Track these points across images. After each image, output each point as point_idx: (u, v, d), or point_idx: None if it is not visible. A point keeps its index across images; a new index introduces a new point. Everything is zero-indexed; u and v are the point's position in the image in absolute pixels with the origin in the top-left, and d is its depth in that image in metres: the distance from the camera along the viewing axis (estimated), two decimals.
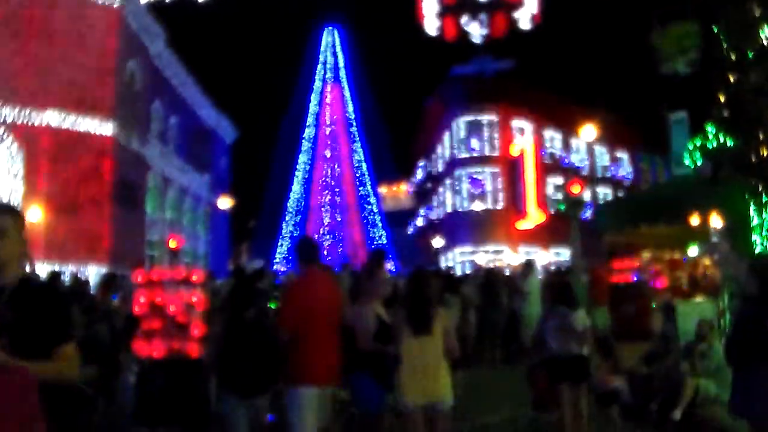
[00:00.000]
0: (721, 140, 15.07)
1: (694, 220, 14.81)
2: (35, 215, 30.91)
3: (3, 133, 31.68)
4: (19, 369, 2.56)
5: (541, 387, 9.48)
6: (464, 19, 47.47)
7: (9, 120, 31.83)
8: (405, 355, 6.69)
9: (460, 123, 49.63)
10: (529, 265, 19.30)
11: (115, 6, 35.53)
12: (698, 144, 16.59)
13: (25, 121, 32.23)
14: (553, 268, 31.03)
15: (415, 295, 6.89)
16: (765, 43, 13.87)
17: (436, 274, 13.24)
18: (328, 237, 69.41)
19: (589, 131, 30.10)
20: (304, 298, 6.82)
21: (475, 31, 47.40)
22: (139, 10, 37.39)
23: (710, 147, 15.46)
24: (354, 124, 74.18)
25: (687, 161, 17.85)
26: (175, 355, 7.41)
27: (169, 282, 7.63)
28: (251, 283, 9.60)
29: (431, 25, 46.92)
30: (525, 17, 48.13)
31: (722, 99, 14.63)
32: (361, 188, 72.63)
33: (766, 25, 13.98)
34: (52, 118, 32.66)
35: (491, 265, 31.52)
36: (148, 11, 38.15)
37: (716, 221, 14.60)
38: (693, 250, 17.84)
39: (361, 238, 70.63)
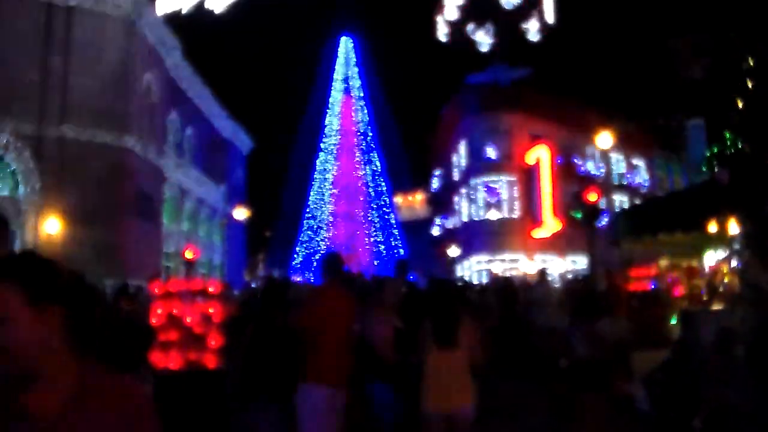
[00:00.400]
0: (739, 147, 14.97)
1: (712, 227, 14.69)
2: (53, 227, 31.09)
3: (21, 146, 31.85)
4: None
5: (561, 395, 9.44)
6: (472, 28, 47.61)
7: (27, 133, 32.01)
8: (430, 367, 6.75)
9: (476, 131, 49.57)
10: (543, 274, 19.22)
11: (131, 18, 35.76)
12: (716, 151, 16.49)
13: (42, 134, 32.42)
14: (570, 276, 30.86)
15: (440, 308, 6.94)
16: None
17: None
18: (343, 247, 69.38)
19: (605, 139, 29.96)
20: (322, 306, 6.90)
21: (485, 39, 47.52)
22: (156, 23, 37.60)
23: (728, 153, 15.36)
24: (369, 133, 74.15)
25: (704, 168, 17.75)
26: (193, 367, 7.41)
27: (186, 293, 7.63)
28: (282, 290, 9.66)
29: (446, 33, 47.03)
30: (537, 27, 48.25)
31: (740, 105, 14.54)
32: (376, 198, 72.56)
33: None
34: (69, 130, 32.84)
35: (507, 274, 31.40)
36: (164, 23, 38.35)
37: (734, 228, 14.48)
38: (710, 258, 17.73)
39: (377, 248, 70.53)
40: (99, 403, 2.12)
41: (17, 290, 2.01)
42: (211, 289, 7.64)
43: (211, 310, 7.50)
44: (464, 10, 49.14)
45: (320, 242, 70.83)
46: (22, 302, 2.01)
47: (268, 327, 7.22)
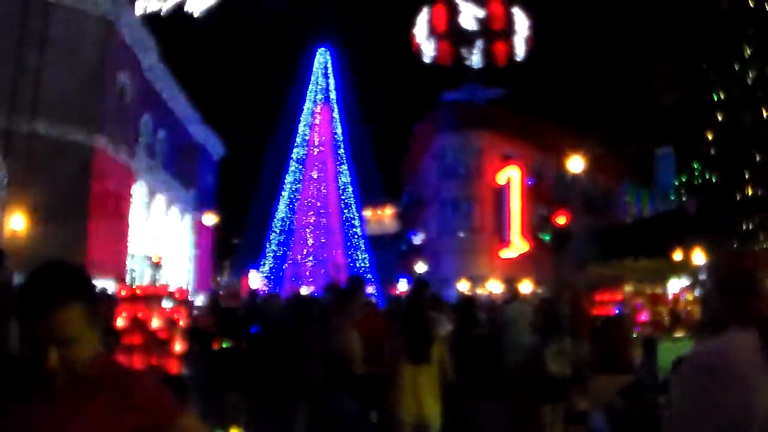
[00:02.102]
0: (707, 177, 15.20)
1: (677, 255, 14.88)
2: (18, 224, 30.75)
3: None
4: None
5: (522, 407, 9.73)
6: (450, 46, 47.93)
7: None
8: (402, 380, 6.99)
9: (448, 149, 49.79)
10: (512, 292, 19.26)
11: (109, 18, 35.55)
12: (684, 180, 16.72)
13: (12, 129, 32.10)
14: (540, 296, 30.98)
15: (414, 325, 7.17)
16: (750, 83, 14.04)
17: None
18: (311, 258, 69.18)
19: (576, 162, 30.21)
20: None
21: (469, 57, 47.84)
22: (134, 23, 37.42)
23: (696, 183, 15.58)
24: (342, 146, 74.13)
25: (672, 196, 17.98)
26: (155, 371, 7.37)
27: (152, 297, 7.61)
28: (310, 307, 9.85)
29: (424, 49, 47.28)
30: (518, 46, 48.63)
31: (710, 137, 14.78)
32: (346, 210, 72.47)
33: (754, 67, 14.16)
34: (39, 126, 32.54)
35: (471, 293, 31.51)
36: (142, 24, 38.17)
37: (699, 257, 14.67)
38: (674, 285, 17.90)
39: (344, 261, 70.44)
40: (106, 385, 2.24)
41: (82, 311, 2.14)
42: (176, 294, 7.61)
43: (176, 316, 7.47)
44: (441, 28, 49.44)
45: (288, 252, 70.62)
46: (86, 322, 2.14)
47: (302, 343, 7.41)
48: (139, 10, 33.82)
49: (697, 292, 15.57)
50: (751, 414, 2.70)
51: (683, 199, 17.01)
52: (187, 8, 31.01)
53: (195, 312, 11.62)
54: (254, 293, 19.96)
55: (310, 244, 70.37)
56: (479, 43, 47.97)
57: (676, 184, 17.92)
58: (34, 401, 2.17)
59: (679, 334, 14.14)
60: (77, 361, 2.10)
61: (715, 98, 16.02)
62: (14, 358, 2.31)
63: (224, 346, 9.80)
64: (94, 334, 2.17)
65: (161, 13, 32.34)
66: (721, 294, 3.05)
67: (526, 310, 17.35)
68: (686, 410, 2.85)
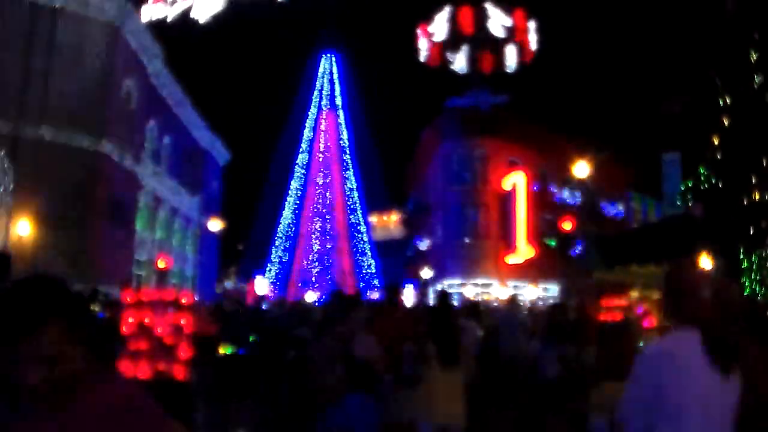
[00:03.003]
0: (713, 182, 15.14)
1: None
2: (24, 229, 30.81)
3: None
4: None
5: (528, 413, 9.86)
6: (454, 52, 47.98)
7: (3, 132, 31.76)
8: (431, 383, 7.23)
9: (453, 155, 49.77)
10: (514, 300, 19.23)
11: (115, 24, 35.65)
12: (690, 185, 16.65)
13: (19, 134, 32.17)
14: (545, 303, 30.95)
15: (444, 329, 7.45)
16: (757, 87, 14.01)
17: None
18: (316, 264, 69.22)
19: (582, 168, 30.18)
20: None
21: (462, 63, 47.92)
22: (140, 30, 37.51)
23: (702, 188, 15.53)
24: (348, 152, 74.19)
25: (679, 202, 17.92)
26: (161, 377, 7.36)
27: (158, 303, 7.60)
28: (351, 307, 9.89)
29: (427, 56, 47.32)
30: (518, 54, 48.73)
31: (716, 142, 14.74)
32: (351, 216, 72.51)
33: (760, 72, 14.12)
34: (46, 132, 32.62)
35: (478, 299, 31.47)
36: (148, 31, 38.26)
37: (706, 262, 14.63)
38: None
39: (350, 267, 70.43)
40: (98, 398, 2.19)
41: (63, 329, 2.10)
42: (183, 300, 7.60)
43: (182, 321, 7.46)
44: (447, 34, 49.48)
45: (293, 257, 70.64)
46: (69, 340, 2.10)
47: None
48: (144, 17, 33.86)
49: None
50: (693, 397, 3.33)
51: (689, 204, 16.93)
52: (192, 15, 31.04)
53: (199, 318, 11.62)
54: (260, 299, 19.99)
55: (315, 250, 70.42)
56: (487, 49, 47.99)
57: (683, 189, 17.83)
58: (16, 421, 2.14)
59: None
60: (60, 379, 2.07)
61: (721, 103, 15.97)
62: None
63: (227, 352, 9.81)
64: (77, 350, 2.12)
65: (167, 20, 32.35)
66: (668, 300, 3.70)
67: (519, 316, 17.35)
68: (640, 394, 3.46)
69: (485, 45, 49.21)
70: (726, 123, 14.66)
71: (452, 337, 7.46)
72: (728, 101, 14.74)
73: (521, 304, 19.52)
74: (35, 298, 2.10)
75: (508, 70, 48.83)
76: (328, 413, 7.82)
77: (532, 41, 50.59)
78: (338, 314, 8.71)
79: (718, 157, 14.77)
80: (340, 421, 7.99)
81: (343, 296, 9.64)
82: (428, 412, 7.24)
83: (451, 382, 7.28)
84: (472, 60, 49.15)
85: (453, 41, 49.03)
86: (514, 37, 49.79)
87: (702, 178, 15.88)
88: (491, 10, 49.32)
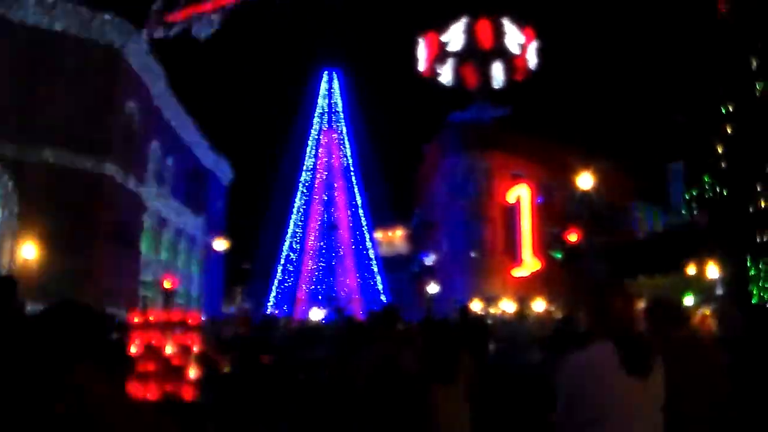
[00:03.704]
0: (718, 191, 15.10)
1: (691, 270, 14.76)
2: (30, 253, 30.82)
3: (0, 170, 31.65)
4: None
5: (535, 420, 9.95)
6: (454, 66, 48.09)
7: (7, 156, 31.81)
8: (432, 400, 7.16)
9: (457, 169, 49.79)
10: (522, 315, 19.21)
11: (116, 46, 35.77)
12: (695, 194, 16.61)
13: (23, 158, 32.23)
14: (553, 315, 30.84)
15: (439, 346, 7.52)
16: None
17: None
18: (322, 282, 69.20)
19: (586, 179, 30.14)
20: None
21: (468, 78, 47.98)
22: (141, 51, 37.61)
23: (707, 197, 15.49)
24: (351, 168, 74.27)
25: (683, 211, 17.87)
26: (169, 398, 7.33)
27: (165, 324, 7.58)
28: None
29: (429, 70, 47.43)
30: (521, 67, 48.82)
31: (720, 150, 14.70)
32: (357, 233, 72.51)
33: (762, 79, 14.10)
34: (49, 155, 32.68)
35: (482, 313, 31.39)
36: (149, 52, 38.36)
37: (713, 271, 14.56)
38: (689, 300, 17.78)
39: (356, 284, 70.37)
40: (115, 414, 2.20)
41: (95, 363, 2.15)
42: (189, 321, 7.58)
43: (189, 342, 7.44)
44: (447, 49, 49.61)
45: (299, 276, 70.63)
46: (98, 371, 2.14)
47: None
48: (145, 38, 33.97)
49: (712, 307, 15.44)
50: (610, 402, 3.86)
51: (695, 213, 16.88)
52: (193, 33, 31.13)
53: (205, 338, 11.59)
54: (268, 318, 19.93)
55: (321, 268, 70.41)
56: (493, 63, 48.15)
57: (687, 198, 17.79)
58: None
59: None
60: (89, 410, 2.09)
61: (724, 111, 15.95)
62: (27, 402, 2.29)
63: (226, 371, 9.77)
64: (104, 380, 2.15)
65: (168, 40, 32.46)
66: (590, 317, 4.22)
67: (526, 327, 17.29)
68: (568, 401, 3.96)
69: (485, 59, 49.33)
70: (729, 131, 14.63)
71: (448, 352, 7.41)
72: (731, 109, 14.71)
73: (529, 316, 19.46)
74: (72, 335, 2.14)
75: (497, 86, 48.96)
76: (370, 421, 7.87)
77: (531, 58, 50.76)
78: (382, 329, 8.77)
79: (723, 165, 14.74)
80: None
81: (387, 313, 9.68)
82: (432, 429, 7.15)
83: (450, 398, 7.04)
84: (460, 74, 49.29)
85: (452, 55, 49.16)
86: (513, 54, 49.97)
87: (707, 187, 15.84)
88: (507, 25, 49.52)
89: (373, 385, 7.46)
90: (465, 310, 8.68)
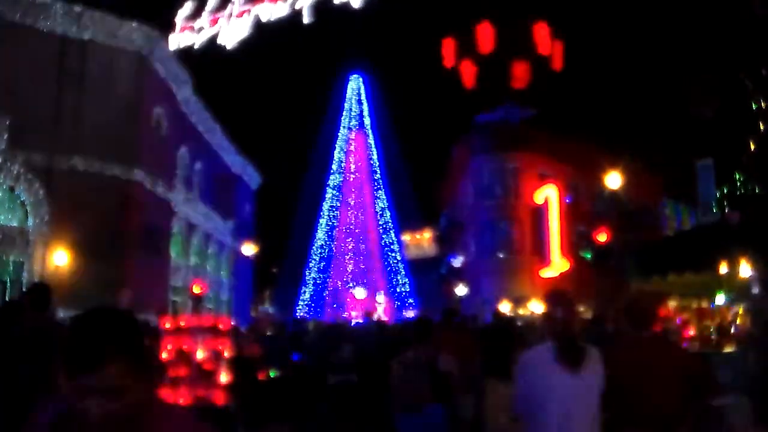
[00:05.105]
0: (750, 188, 14.91)
1: (723, 268, 14.57)
2: (61, 259, 31.11)
3: (31, 177, 31.95)
4: None
5: None
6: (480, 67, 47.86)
7: (38, 164, 32.12)
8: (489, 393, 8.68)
9: (484, 170, 49.65)
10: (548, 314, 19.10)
11: (143, 53, 36.05)
12: (726, 192, 16.43)
13: (53, 166, 32.53)
14: (582, 316, 30.63)
15: (497, 347, 8.27)
16: None
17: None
18: (351, 284, 69.18)
19: (614, 178, 29.94)
20: None
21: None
22: (168, 57, 37.85)
23: (738, 194, 15.30)
24: (378, 171, 74.27)
25: (715, 209, 17.67)
26: (201, 403, 7.35)
27: (196, 329, 7.60)
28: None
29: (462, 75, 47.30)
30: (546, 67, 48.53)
31: (752, 146, 14.52)
32: (384, 236, 72.49)
33: None
34: (79, 163, 32.95)
35: (511, 314, 31.27)
36: (176, 58, 38.60)
37: (746, 270, 14.37)
38: (721, 299, 17.58)
39: (385, 286, 70.33)
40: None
41: (129, 363, 2.13)
42: (220, 326, 7.60)
43: (220, 347, 7.45)
44: (474, 51, 49.44)
45: (327, 278, 70.71)
46: (132, 373, 2.12)
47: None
48: (172, 45, 34.15)
49: (745, 305, 15.27)
50: (549, 390, 4.68)
51: (726, 211, 16.68)
52: (219, 41, 31.26)
53: (240, 342, 11.65)
54: (298, 321, 19.98)
55: (349, 271, 70.43)
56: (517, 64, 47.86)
57: (718, 196, 17.62)
58: None
59: (728, 349, 13.86)
60: (119, 414, 2.07)
61: (754, 107, 15.77)
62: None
63: (271, 375, 9.78)
64: (140, 384, 2.13)
65: (194, 47, 32.60)
66: (543, 322, 5.44)
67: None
68: (519, 392, 4.93)
69: (514, 60, 49.10)
70: (762, 127, 14.46)
71: (505, 353, 8.14)
72: (762, 105, 14.54)
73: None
74: (102, 332, 2.12)
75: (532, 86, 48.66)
76: (410, 419, 7.91)
77: (559, 56, 50.47)
78: (423, 334, 8.86)
79: (755, 162, 14.57)
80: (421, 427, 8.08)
81: (422, 323, 9.81)
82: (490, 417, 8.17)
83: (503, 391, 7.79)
84: (497, 76, 49.06)
85: (482, 58, 48.98)
86: (542, 53, 49.68)
87: (738, 184, 15.66)
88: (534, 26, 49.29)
89: (412, 385, 7.56)
90: (497, 313, 9.19)
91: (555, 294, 5.20)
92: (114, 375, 2.04)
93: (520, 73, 48.46)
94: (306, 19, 31.47)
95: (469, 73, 49.16)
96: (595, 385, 4.80)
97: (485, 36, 45.02)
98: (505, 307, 43.02)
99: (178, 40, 33.39)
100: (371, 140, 74.96)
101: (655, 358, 5.29)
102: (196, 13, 32.86)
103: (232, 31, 31.41)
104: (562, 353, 4.75)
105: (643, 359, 5.23)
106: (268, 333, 13.57)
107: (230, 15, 31.58)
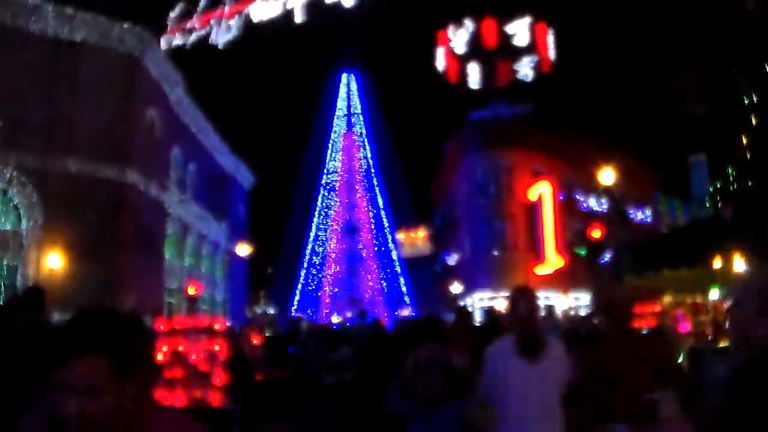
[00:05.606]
0: (743, 182, 14.92)
1: (717, 263, 14.58)
2: (55, 262, 31.03)
3: (24, 180, 31.86)
4: None
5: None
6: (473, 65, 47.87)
7: (31, 166, 32.02)
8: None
9: (478, 168, 49.63)
10: (549, 311, 19.16)
11: (135, 54, 35.96)
12: (719, 186, 16.44)
13: (46, 168, 32.44)
14: (572, 313, 30.68)
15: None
16: None
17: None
18: (345, 284, 69.21)
19: (607, 175, 29.94)
20: None
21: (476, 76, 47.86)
22: (160, 58, 37.79)
23: (732, 189, 15.31)
24: (372, 169, 74.27)
25: (708, 204, 17.68)
26: (197, 405, 7.33)
27: (191, 330, 7.58)
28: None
29: (449, 70, 47.27)
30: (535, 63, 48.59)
31: (745, 141, 14.53)
32: (378, 234, 72.51)
33: None
34: (72, 164, 32.87)
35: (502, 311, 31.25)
36: (168, 59, 38.53)
37: (740, 264, 14.38)
38: (716, 294, 17.58)
39: (379, 285, 70.35)
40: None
41: (109, 364, 2.07)
42: (216, 327, 7.59)
43: (216, 348, 7.44)
44: (465, 46, 49.43)
45: (322, 279, 70.69)
46: (112, 376, 2.07)
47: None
48: (164, 46, 34.11)
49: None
50: (509, 378, 5.21)
51: (719, 206, 16.70)
52: (211, 40, 31.24)
53: (237, 342, 11.64)
54: (294, 321, 19.96)
55: (344, 270, 70.45)
56: (504, 61, 47.88)
57: (711, 191, 17.65)
58: None
59: (723, 344, 13.86)
60: (96, 414, 2.01)
61: (746, 101, 15.78)
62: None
63: (269, 375, 9.77)
64: (123, 387, 2.07)
65: (186, 47, 32.57)
66: (508, 316, 6.00)
67: (558, 326, 17.23)
68: (484, 380, 5.40)
69: (502, 57, 49.11)
70: (754, 121, 14.48)
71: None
72: (755, 99, 14.55)
73: (556, 314, 19.38)
74: (80, 328, 2.08)
75: (525, 80, 48.70)
76: (429, 418, 7.94)
77: (551, 51, 50.45)
78: (434, 333, 8.91)
79: (747, 156, 14.59)
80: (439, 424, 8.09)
81: (436, 318, 9.90)
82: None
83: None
84: (488, 74, 49.07)
85: (473, 55, 48.97)
86: (534, 49, 49.67)
87: (731, 179, 15.68)
88: (515, 22, 49.32)
89: (429, 383, 7.57)
90: (490, 311, 9.21)
91: (518, 290, 5.61)
92: (92, 374, 1.99)
93: (506, 70, 48.52)
94: (298, 18, 31.49)
95: (453, 68, 49.20)
96: (555, 374, 5.25)
97: (482, 32, 45.02)
98: (500, 303, 43.03)
99: (169, 40, 33.36)
100: (364, 139, 74.94)
101: (628, 353, 5.44)
102: (187, 14, 32.84)
103: (223, 32, 31.40)
104: (521, 344, 5.25)
105: (617, 355, 5.43)
106: (267, 333, 13.58)
107: (221, 15, 31.58)
